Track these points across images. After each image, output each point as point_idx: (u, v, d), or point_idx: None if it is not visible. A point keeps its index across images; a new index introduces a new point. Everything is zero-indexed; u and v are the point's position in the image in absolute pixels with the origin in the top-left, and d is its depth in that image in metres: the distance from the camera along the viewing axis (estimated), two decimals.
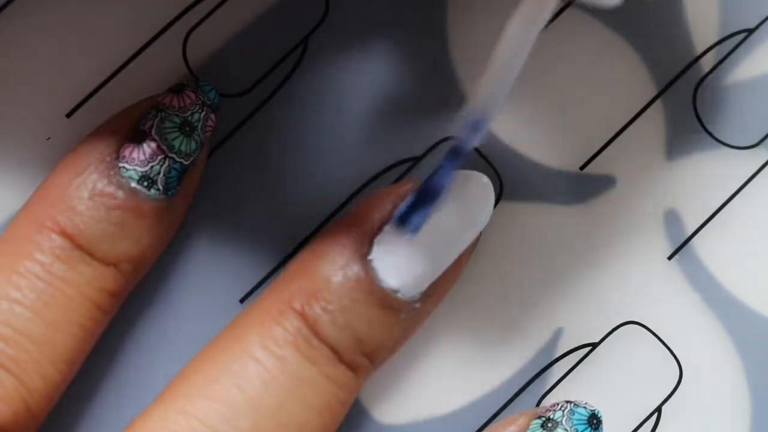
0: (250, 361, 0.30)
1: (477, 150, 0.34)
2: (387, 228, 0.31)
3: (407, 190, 0.31)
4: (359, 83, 0.34)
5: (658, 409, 0.34)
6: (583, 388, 0.34)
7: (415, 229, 0.29)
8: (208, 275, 0.33)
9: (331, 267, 0.30)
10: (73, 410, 0.32)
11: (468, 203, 0.31)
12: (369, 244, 0.31)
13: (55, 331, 0.30)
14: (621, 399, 0.34)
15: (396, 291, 0.31)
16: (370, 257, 0.31)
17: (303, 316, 0.30)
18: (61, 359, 0.30)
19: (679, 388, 0.34)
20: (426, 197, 0.29)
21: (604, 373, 0.34)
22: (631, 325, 0.34)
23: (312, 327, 0.30)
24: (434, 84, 0.34)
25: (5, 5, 0.34)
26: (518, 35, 0.27)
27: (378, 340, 0.31)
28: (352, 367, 0.30)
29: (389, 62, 0.34)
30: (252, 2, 0.34)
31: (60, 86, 0.34)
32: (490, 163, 0.34)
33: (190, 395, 0.29)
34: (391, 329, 0.31)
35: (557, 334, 0.34)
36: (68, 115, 0.34)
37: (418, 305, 0.31)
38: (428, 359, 0.34)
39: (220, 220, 0.34)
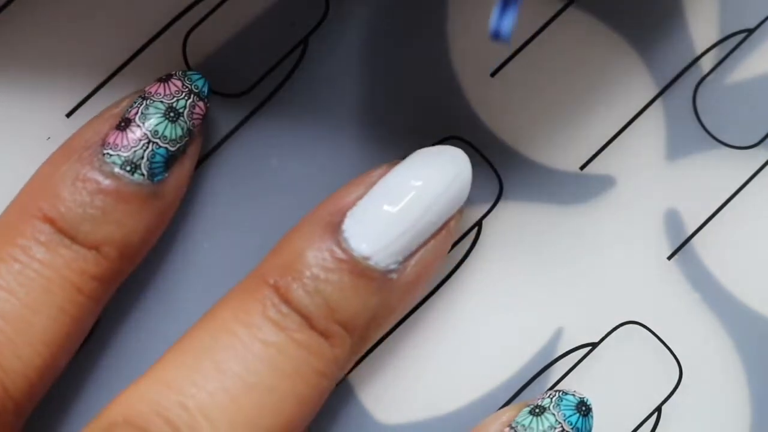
0: (222, 331, 0.30)
1: (477, 150, 0.34)
2: (360, 202, 0.31)
3: (379, 174, 0.32)
4: (359, 83, 0.34)
5: (658, 409, 0.34)
6: (583, 388, 0.34)
7: (509, 34, 0.28)
8: (206, 274, 0.33)
9: (303, 241, 0.31)
10: (68, 404, 0.33)
11: (439, 170, 0.31)
12: (342, 216, 0.31)
13: (32, 312, 0.30)
14: (621, 399, 0.34)
15: (367, 258, 0.31)
16: (342, 228, 0.31)
17: (275, 288, 0.30)
18: (39, 341, 0.30)
19: (679, 388, 0.34)
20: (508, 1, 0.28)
21: (604, 373, 0.34)
22: (631, 325, 0.34)
23: (283, 296, 0.30)
24: (434, 84, 0.34)
25: (5, 5, 0.34)
26: None
27: (351, 309, 0.30)
28: (325, 335, 0.30)
29: (389, 62, 0.34)
30: (252, 2, 0.34)
31: (60, 86, 0.34)
32: (490, 163, 0.34)
33: (164, 368, 0.30)
34: (366, 298, 0.31)
35: (557, 334, 0.34)
36: (68, 115, 0.34)
37: (393, 276, 0.31)
38: (428, 359, 0.34)
39: (219, 219, 0.34)
